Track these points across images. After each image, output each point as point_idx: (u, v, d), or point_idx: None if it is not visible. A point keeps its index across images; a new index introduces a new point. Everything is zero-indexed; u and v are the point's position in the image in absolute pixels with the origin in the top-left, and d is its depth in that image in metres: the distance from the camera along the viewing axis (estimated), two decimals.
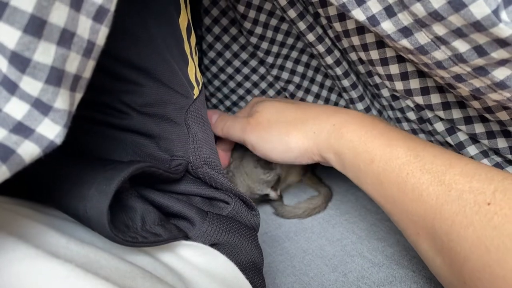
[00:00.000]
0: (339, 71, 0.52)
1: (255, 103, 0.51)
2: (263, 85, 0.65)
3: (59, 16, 0.20)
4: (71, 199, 0.27)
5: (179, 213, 0.33)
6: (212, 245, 0.35)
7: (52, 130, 0.21)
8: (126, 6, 0.30)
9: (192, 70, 0.41)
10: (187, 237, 0.33)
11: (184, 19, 0.40)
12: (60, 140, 0.22)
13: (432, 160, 0.34)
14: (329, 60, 0.51)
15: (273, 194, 0.58)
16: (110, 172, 0.27)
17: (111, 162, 0.29)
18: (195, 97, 0.40)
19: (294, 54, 0.61)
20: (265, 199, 0.59)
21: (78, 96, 0.24)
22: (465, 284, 0.31)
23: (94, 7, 0.22)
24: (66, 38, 0.21)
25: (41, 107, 0.21)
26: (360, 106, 0.54)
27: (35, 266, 0.22)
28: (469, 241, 0.30)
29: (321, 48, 0.51)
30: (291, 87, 0.63)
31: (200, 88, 0.42)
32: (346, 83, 0.53)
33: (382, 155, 0.37)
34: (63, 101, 0.22)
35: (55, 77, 0.21)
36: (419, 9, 0.30)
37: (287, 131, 0.45)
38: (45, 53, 0.20)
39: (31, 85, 0.20)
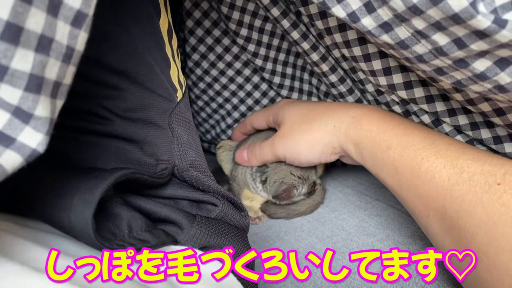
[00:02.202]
0: (325, 67, 0.52)
1: (279, 108, 0.55)
2: (248, 87, 0.65)
3: (36, 22, 0.20)
4: (55, 209, 0.27)
5: (166, 218, 0.33)
6: (202, 248, 0.34)
7: (34, 139, 0.21)
8: (104, 10, 0.29)
9: (175, 72, 0.40)
10: (176, 242, 0.33)
11: (164, 22, 0.39)
12: (43, 148, 0.22)
13: (447, 147, 0.37)
14: (315, 56, 0.51)
15: (319, 181, 0.59)
16: (93, 180, 0.27)
17: (94, 171, 0.29)
18: (178, 100, 0.39)
19: (282, 56, 0.61)
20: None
21: (60, 102, 0.24)
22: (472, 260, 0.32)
23: (71, 12, 0.22)
24: (44, 44, 0.21)
25: (22, 115, 0.20)
26: (350, 99, 0.55)
27: (20, 282, 0.22)
28: (477, 217, 0.32)
29: (306, 45, 0.51)
30: (284, 92, 0.64)
31: (183, 91, 0.41)
32: (333, 78, 0.53)
33: (398, 142, 0.40)
34: (44, 109, 0.21)
35: (35, 84, 0.20)
36: (398, 4, 0.30)
37: (308, 131, 0.49)
38: (23, 60, 0.20)
39: (10, 93, 0.20)
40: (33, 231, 0.29)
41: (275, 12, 0.49)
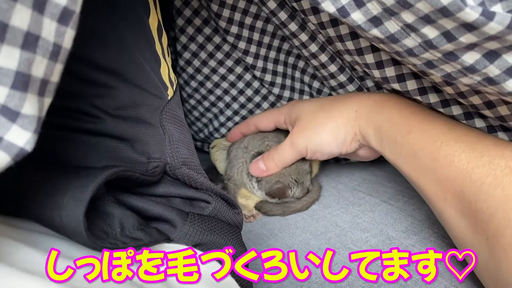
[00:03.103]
0: (324, 57, 0.52)
1: (291, 107, 0.55)
2: (240, 84, 0.65)
3: (21, 19, 0.20)
4: (45, 208, 0.26)
5: (159, 216, 0.33)
6: (196, 245, 0.34)
7: (21, 137, 0.21)
8: (93, 8, 0.29)
9: (165, 70, 0.40)
10: (169, 240, 0.33)
11: (154, 20, 0.39)
12: (31, 147, 0.21)
13: (467, 133, 0.38)
14: (314, 47, 0.51)
15: (311, 187, 0.59)
16: (84, 178, 0.26)
17: (85, 169, 0.28)
18: (169, 97, 0.39)
19: (273, 54, 0.61)
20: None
21: (47, 101, 0.23)
22: (488, 240, 0.33)
23: (58, 9, 0.22)
24: (30, 41, 0.20)
25: (8, 113, 0.20)
26: (351, 87, 0.55)
27: (9, 284, 0.22)
28: (496, 199, 0.32)
29: (304, 37, 0.51)
30: (275, 90, 0.64)
31: (174, 89, 0.41)
32: (333, 68, 0.53)
33: (419, 126, 0.41)
34: (31, 107, 0.21)
35: (21, 82, 0.20)
36: None
37: (330, 119, 0.49)
38: (9, 58, 0.19)
39: None
40: (24, 232, 0.29)
41: (272, 4, 0.49)
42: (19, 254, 0.25)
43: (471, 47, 0.30)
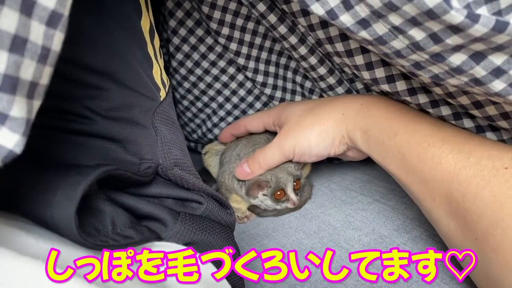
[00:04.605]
0: (314, 59, 0.52)
1: (281, 109, 0.55)
2: (233, 85, 0.66)
3: (8, 22, 0.20)
4: (37, 206, 0.26)
5: (150, 214, 0.33)
6: (187, 244, 0.34)
7: (10, 139, 0.21)
8: (84, 11, 0.29)
9: (158, 72, 0.40)
10: (160, 238, 0.33)
11: (146, 22, 0.39)
12: (20, 149, 0.21)
13: (454, 133, 0.38)
14: (303, 50, 0.52)
15: (293, 196, 0.55)
16: (76, 177, 0.26)
17: (77, 167, 0.29)
18: (161, 99, 0.39)
19: (264, 54, 0.61)
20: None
21: (37, 103, 0.23)
22: (477, 240, 0.34)
23: (46, 12, 0.22)
24: (18, 44, 0.20)
25: None
26: (340, 90, 0.55)
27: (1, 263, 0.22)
28: (484, 199, 0.33)
29: (293, 39, 0.51)
30: (267, 90, 0.64)
31: (166, 90, 0.41)
32: (322, 70, 0.53)
33: (406, 128, 0.41)
34: (20, 109, 0.21)
35: (9, 85, 0.20)
36: (374, 0, 0.31)
37: (318, 121, 0.49)
38: None
39: None
40: (18, 222, 0.29)
41: (261, 7, 0.49)
42: (13, 237, 0.25)
43: (457, 48, 0.30)
